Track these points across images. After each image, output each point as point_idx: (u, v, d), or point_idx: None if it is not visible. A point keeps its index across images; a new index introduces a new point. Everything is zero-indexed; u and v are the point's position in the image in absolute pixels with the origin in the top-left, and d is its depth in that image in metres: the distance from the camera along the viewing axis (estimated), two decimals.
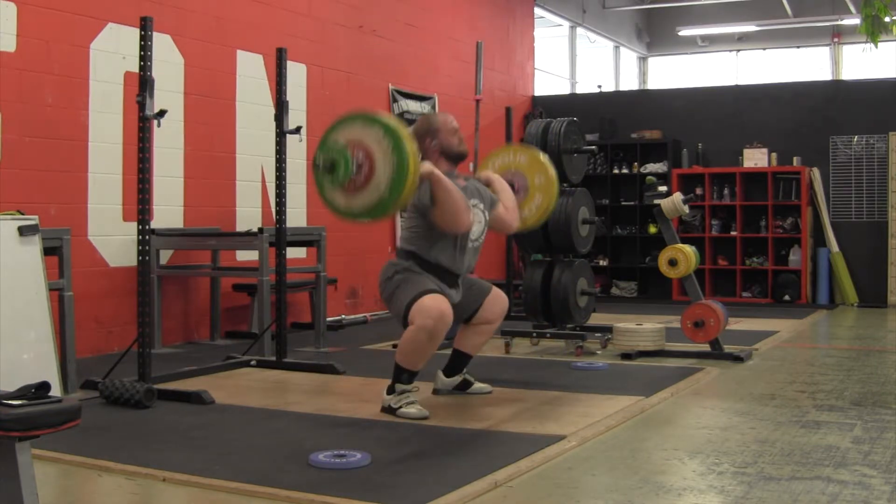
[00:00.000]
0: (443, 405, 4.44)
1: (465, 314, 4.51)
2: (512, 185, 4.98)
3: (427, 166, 4.03)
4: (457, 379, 4.69)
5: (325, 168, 3.77)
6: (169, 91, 6.39)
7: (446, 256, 4.28)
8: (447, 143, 4.38)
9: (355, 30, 8.42)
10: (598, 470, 3.36)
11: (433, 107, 9.53)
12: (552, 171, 5.06)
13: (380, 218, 3.90)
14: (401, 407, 4.16)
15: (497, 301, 4.56)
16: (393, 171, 3.71)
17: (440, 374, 4.70)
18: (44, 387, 2.37)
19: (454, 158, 4.40)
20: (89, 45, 6.02)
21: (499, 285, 7.07)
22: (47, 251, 4.35)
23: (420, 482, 3.09)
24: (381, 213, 3.83)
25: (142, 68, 4.47)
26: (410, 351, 4.15)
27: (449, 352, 4.72)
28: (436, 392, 4.67)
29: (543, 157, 5.14)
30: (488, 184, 4.63)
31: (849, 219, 10.18)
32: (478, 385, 4.73)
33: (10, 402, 2.30)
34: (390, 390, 4.24)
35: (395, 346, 6.40)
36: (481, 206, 4.45)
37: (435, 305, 4.06)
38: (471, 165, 7.55)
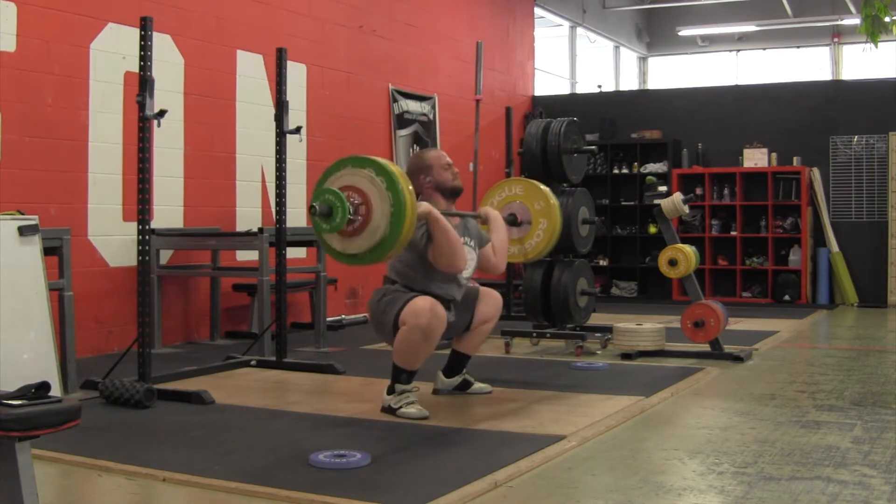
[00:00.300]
0: (443, 405, 4.43)
1: (462, 327, 4.52)
2: (515, 217, 4.98)
3: (425, 206, 4.03)
4: (457, 379, 4.70)
5: (321, 214, 3.76)
6: (169, 91, 6.39)
7: (437, 287, 4.27)
8: (441, 178, 4.37)
9: (355, 30, 8.42)
10: (598, 470, 3.36)
11: (433, 107, 9.54)
12: (553, 199, 5.07)
13: (380, 259, 3.86)
14: (401, 407, 4.16)
15: (488, 301, 4.55)
16: (391, 211, 3.69)
17: (440, 375, 4.71)
18: (44, 387, 2.37)
19: (450, 194, 4.39)
20: (89, 45, 6.02)
21: (499, 285, 7.08)
22: (47, 251, 4.35)
23: (420, 482, 3.09)
24: (382, 254, 3.79)
25: (142, 68, 4.47)
26: (405, 350, 4.14)
27: (448, 352, 4.73)
28: (436, 392, 4.67)
29: (542, 186, 5.15)
30: (486, 220, 4.64)
31: (849, 219, 10.18)
32: (478, 385, 4.73)
33: (10, 402, 2.30)
34: (390, 390, 4.24)
35: None
36: (471, 243, 4.46)
37: (425, 305, 4.04)
38: (471, 165, 7.56)
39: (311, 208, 3.79)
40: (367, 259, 3.82)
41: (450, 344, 4.71)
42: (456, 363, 4.68)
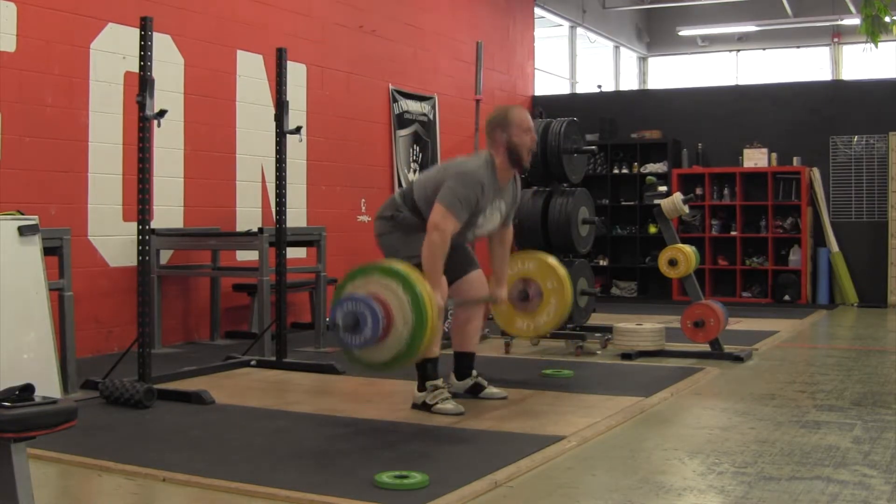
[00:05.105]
0: None
1: (450, 276, 4.36)
2: (526, 293, 4.90)
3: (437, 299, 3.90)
4: (468, 382, 4.63)
5: (345, 327, 3.66)
6: (169, 91, 6.39)
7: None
8: (519, 140, 4.24)
9: (355, 30, 8.42)
10: (598, 470, 3.36)
11: (433, 107, 9.53)
12: (564, 277, 4.92)
13: (400, 368, 3.82)
14: (437, 403, 4.16)
15: (476, 285, 4.50)
16: (413, 323, 3.58)
17: (451, 377, 4.67)
18: (28, 389, 2.35)
19: (515, 162, 4.27)
20: (89, 45, 6.02)
21: None
22: (47, 251, 4.33)
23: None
24: (401, 364, 3.72)
25: (142, 68, 4.47)
26: None
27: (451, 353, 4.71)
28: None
29: (551, 260, 5.00)
30: (497, 302, 4.65)
31: (849, 219, 10.18)
32: (490, 390, 4.62)
33: (5, 402, 2.28)
34: (421, 388, 4.25)
35: None
36: (502, 209, 4.40)
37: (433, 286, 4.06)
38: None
39: (332, 321, 3.67)
40: (385, 369, 3.76)
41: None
42: (460, 363, 4.65)
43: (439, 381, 4.25)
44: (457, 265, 4.40)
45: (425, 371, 4.23)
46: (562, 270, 4.95)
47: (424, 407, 4.19)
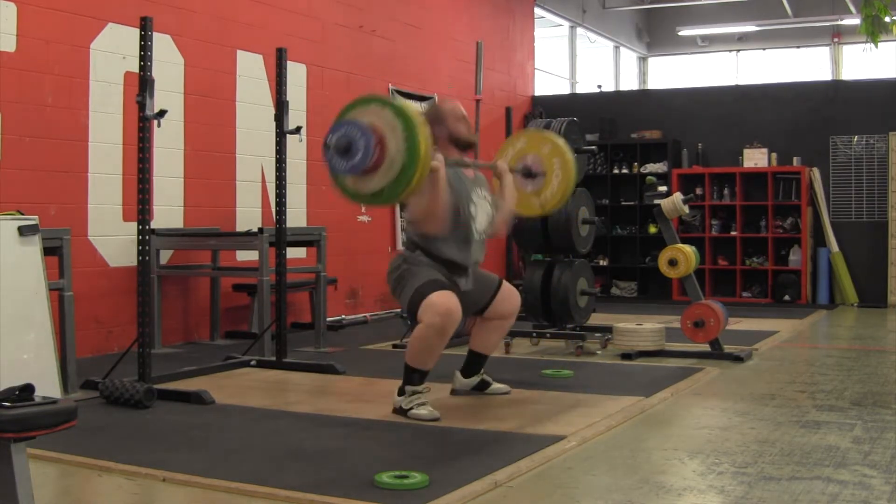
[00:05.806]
0: (444, 405, 4.42)
1: (476, 307, 4.45)
2: (529, 169, 4.88)
3: (437, 161, 3.94)
4: (474, 379, 4.64)
5: (337, 149, 3.67)
6: (169, 91, 6.39)
7: (452, 250, 4.22)
8: (455, 130, 4.35)
9: (355, 30, 8.42)
10: (598, 470, 3.36)
11: None
12: (559, 140, 4.92)
13: (386, 204, 3.81)
14: (412, 408, 4.12)
15: (509, 297, 4.50)
16: (405, 158, 3.59)
17: (458, 375, 4.66)
18: (28, 389, 2.34)
19: (463, 146, 4.38)
20: (89, 45, 6.02)
21: None
22: (47, 251, 4.34)
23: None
24: (388, 199, 3.74)
25: (142, 68, 4.47)
26: (421, 350, 4.08)
27: (463, 352, 4.71)
28: (454, 392, 4.63)
29: (544, 132, 5.05)
30: (500, 176, 4.61)
31: (849, 219, 10.17)
32: (496, 386, 4.66)
33: (5, 402, 2.28)
34: (401, 391, 4.19)
35: (395, 346, 6.44)
36: (489, 198, 4.42)
37: (442, 302, 3.98)
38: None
39: (324, 143, 3.67)
40: (376, 199, 3.75)
41: (463, 342, 4.69)
42: (473, 362, 4.64)
43: (419, 387, 4.16)
44: (483, 292, 4.42)
45: (411, 380, 4.15)
46: (559, 138, 4.96)
47: (401, 412, 4.15)
